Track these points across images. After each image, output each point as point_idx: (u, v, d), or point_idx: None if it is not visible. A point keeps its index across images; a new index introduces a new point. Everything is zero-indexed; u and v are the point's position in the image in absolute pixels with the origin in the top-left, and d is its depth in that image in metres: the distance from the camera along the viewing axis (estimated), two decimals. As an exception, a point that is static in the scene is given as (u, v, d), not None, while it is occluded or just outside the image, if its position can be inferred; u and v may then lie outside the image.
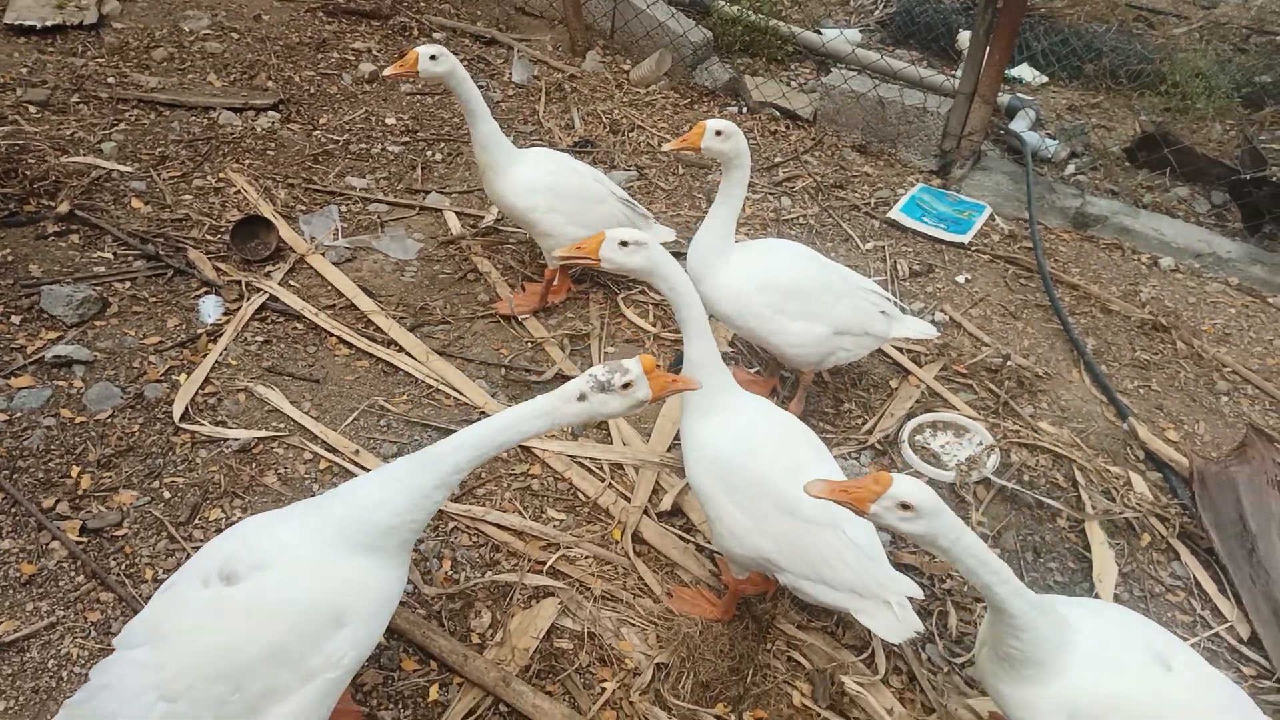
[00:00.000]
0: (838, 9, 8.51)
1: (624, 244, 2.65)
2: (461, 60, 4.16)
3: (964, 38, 6.96)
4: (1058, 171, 6.08)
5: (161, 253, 4.19)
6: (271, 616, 2.08)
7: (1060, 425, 3.94)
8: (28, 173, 4.42)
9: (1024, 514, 3.54)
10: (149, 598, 2.30)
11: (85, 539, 3.00)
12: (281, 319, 4.03)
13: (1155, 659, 2.21)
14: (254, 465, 3.34)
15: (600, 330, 4.21)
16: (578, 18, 6.71)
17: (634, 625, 2.99)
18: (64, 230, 4.24)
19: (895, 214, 5.27)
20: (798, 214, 5.27)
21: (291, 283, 4.23)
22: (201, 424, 3.46)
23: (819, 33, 7.42)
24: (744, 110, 6.38)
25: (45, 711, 2.56)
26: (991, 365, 4.19)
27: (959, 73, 5.57)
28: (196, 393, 3.57)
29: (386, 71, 3.79)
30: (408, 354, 3.92)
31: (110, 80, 5.38)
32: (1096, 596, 3.21)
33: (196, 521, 3.12)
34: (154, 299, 4.00)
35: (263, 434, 3.45)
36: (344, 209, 4.76)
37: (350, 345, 3.93)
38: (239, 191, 4.72)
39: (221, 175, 4.82)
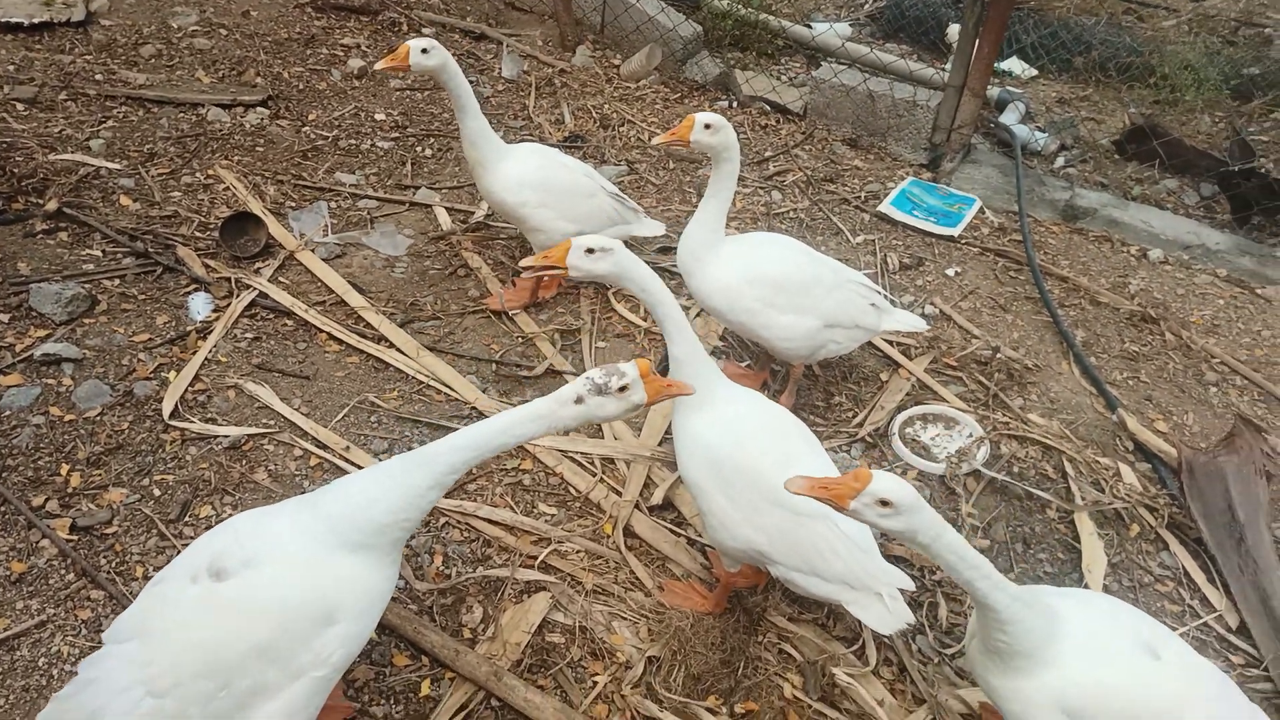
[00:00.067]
0: (828, 3, 8.51)
1: (590, 251, 2.63)
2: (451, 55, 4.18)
3: (954, 31, 6.98)
4: (1047, 164, 6.10)
5: (150, 250, 4.18)
6: (261, 613, 2.07)
7: (1050, 417, 3.95)
8: (15, 170, 4.40)
9: (1014, 505, 3.56)
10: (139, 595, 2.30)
11: (75, 537, 3.00)
12: (271, 315, 4.02)
13: (1144, 648, 2.23)
14: (244, 462, 3.34)
15: (591, 325, 4.21)
16: (567, 12, 6.70)
17: (625, 619, 3.00)
18: (52, 228, 4.23)
19: (885, 207, 5.27)
20: (788, 208, 5.27)
21: (281, 279, 4.22)
22: (191, 421, 3.45)
23: (809, 27, 7.44)
24: (734, 104, 6.38)
25: (36, 709, 2.54)
26: (981, 357, 4.21)
27: (949, 66, 5.58)
28: (186, 390, 3.56)
29: (378, 65, 3.77)
30: (398, 350, 3.91)
31: (98, 77, 5.35)
32: (1086, 587, 3.22)
33: (187, 519, 3.12)
34: (143, 296, 3.99)
35: (253, 431, 3.45)
36: (333, 205, 4.75)
37: (340, 341, 3.92)
38: (228, 188, 4.70)
39: (210, 172, 4.80)
